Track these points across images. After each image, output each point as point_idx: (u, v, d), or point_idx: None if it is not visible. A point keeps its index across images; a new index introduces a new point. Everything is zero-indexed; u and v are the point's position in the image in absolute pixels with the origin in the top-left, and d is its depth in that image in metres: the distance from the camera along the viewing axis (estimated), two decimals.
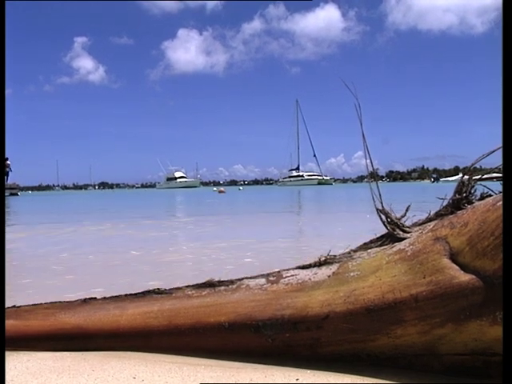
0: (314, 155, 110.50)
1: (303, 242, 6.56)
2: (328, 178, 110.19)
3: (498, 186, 1.49)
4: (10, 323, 1.66)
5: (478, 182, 1.55)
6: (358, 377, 1.42)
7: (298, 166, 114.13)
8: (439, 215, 1.54)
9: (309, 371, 1.45)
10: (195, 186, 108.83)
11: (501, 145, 1.38)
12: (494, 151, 1.48)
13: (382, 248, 1.54)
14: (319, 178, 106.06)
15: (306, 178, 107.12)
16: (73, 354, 1.62)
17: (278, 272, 1.62)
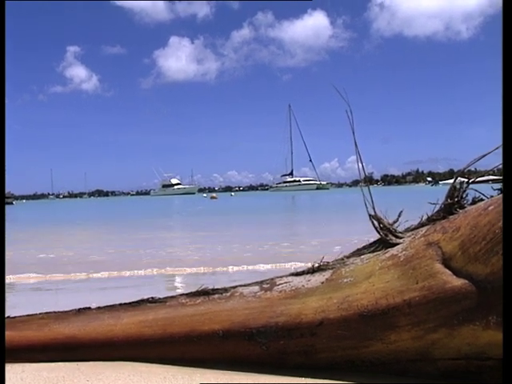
0: (310, 160, 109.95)
1: None
2: (325, 182, 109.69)
3: (489, 190, 1.50)
4: None
5: (470, 186, 1.55)
6: (353, 383, 1.42)
7: (292, 171, 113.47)
8: (431, 220, 1.55)
9: (303, 378, 1.45)
10: (192, 193, 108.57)
11: (495, 147, 1.38)
12: (487, 154, 1.48)
13: (375, 254, 1.54)
14: (317, 182, 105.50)
15: (304, 182, 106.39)
16: (67, 364, 1.61)
17: (272, 279, 1.62)
